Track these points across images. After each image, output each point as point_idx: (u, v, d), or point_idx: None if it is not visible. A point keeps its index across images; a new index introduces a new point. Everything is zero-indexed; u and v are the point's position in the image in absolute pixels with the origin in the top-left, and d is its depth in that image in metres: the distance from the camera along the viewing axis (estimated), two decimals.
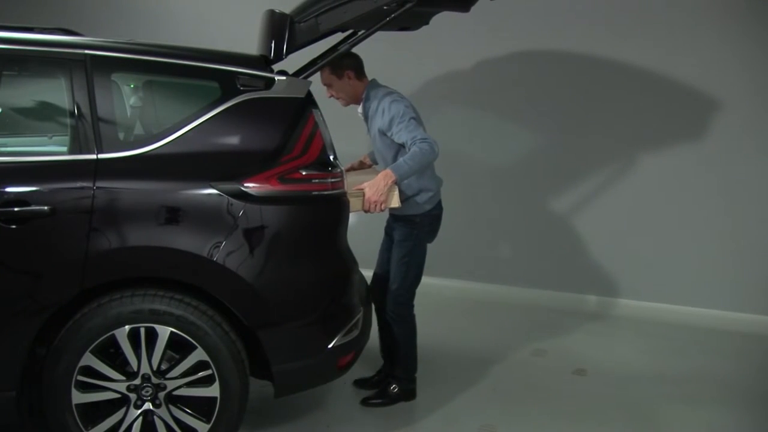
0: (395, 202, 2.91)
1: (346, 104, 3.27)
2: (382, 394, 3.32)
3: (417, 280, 3.24)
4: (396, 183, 2.91)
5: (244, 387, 2.61)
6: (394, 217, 3.22)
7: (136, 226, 2.47)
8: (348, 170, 3.47)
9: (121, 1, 5.83)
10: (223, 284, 2.54)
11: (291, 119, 2.68)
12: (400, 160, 2.95)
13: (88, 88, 2.51)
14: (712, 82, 4.43)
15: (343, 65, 3.12)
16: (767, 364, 4.03)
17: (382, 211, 2.93)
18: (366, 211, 2.90)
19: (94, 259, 2.43)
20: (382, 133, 3.11)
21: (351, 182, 3.02)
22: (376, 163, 3.59)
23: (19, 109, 2.70)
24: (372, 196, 2.86)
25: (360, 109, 3.24)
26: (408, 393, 3.34)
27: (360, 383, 3.47)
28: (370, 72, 3.17)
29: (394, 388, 3.32)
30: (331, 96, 3.23)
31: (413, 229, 3.18)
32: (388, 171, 2.90)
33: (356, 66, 3.19)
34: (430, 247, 3.29)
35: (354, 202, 2.82)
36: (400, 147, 3.08)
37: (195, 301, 2.54)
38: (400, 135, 3.01)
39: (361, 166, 3.61)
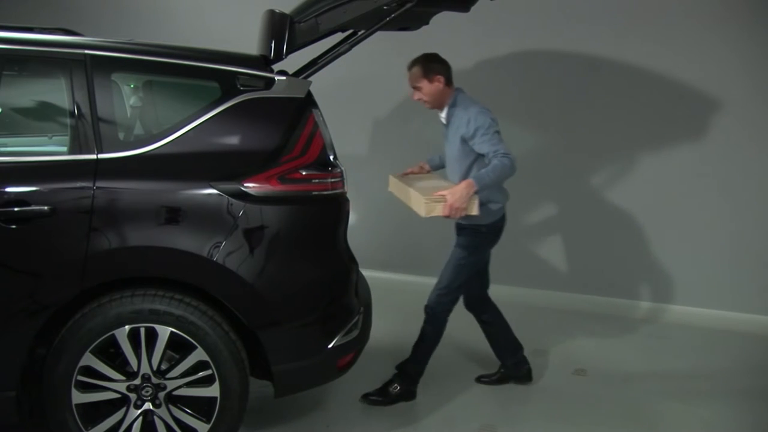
0: (474, 210, 2.99)
1: (431, 107, 3.32)
2: (383, 393, 3.33)
3: (464, 286, 3.32)
4: (476, 192, 2.97)
5: (244, 387, 2.61)
6: (461, 225, 3.29)
7: (136, 226, 2.47)
8: (407, 174, 3.57)
9: (122, 1, 5.83)
10: (223, 284, 2.55)
11: (291, 119, 2.68)
12: (482, 171, 3.02)
13: (88, 88, 2.51)
14: (713, 82, 4.43)
15: (435, 69, 3.21)
16: (766, 364, 4.03)
17: (461, 217, 3.01)
18: (446, 217, 2.96)
19: (94, 259, 2.43)
20: (464, 140, 3.16)
21: (426, 186, 3.14)
22: (435, 170, 3.65)
23: (19, 109, 2.70)
24: (455, 202, 2.91)
25: (443, 114, 3.30)
26: (409, 394, 3.35)
27: (482, 379, 3.61)
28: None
29: (395, 388, 3.33)
30: (419, 99, 3.28)
31: (476, 238, 3.26)
32: (471, 181, 2.96)
33: (447, 72, 3.26)
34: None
35: (434, 207, 2.93)
36: (478, 156, 3.15)
37: (195, 301, 2.54)
38: (483, 146, 3.07)
39: (420, 171, 3.65)
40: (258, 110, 2.65)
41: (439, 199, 2.92)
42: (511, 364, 3.58)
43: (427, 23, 3.51)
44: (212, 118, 2.59)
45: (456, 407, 3.34)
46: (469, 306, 3.52)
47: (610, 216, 4.78)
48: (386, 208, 5.20)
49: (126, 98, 2.80)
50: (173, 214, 2.53)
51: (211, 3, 5.56)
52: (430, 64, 3.21)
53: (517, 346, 3.58)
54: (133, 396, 2.54)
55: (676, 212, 4.63)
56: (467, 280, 3.32)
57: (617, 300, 4.80)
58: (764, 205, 4.43)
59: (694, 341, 4.31)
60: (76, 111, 2.50)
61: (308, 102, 2.75)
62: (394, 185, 3.55)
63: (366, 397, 3.33)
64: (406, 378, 3.35)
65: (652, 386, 3.62)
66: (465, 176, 3.15)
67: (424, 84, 3.23)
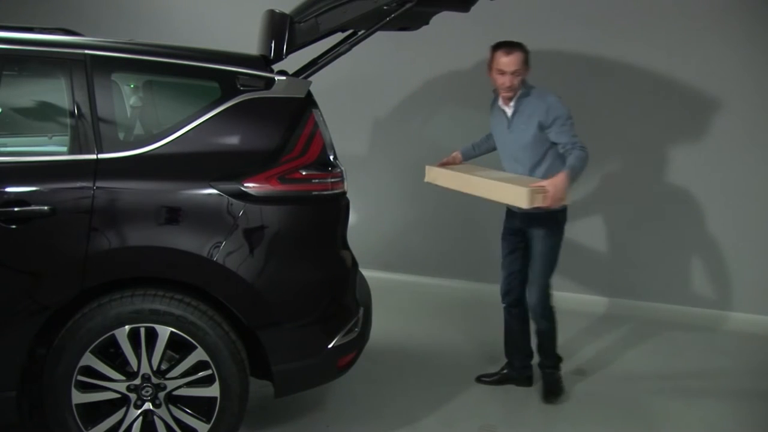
0: (568, 199, 3.09)
1: (510, 96, 3.28)
2: (555, 387, 3.44)
3: (553, 273, 3.40)
4: (571, 183, 3.06)
5: (244, 387, 2.62)
6: (538, 215, 3.26)
7: (136, 226, 2.47)
8: (444, 164, 3.59)
9: (121, 1, 5.83)
10: (222, 284, 2.55)
11: (291, 119, 2.68)
12: (570, 163, 3.07)
13: (88, 88, 2.51)
14: (713, 82, 4.43)
15: (529, 59, 3.25)
16: (766, 363, 4.03)
17: (559, 206, 3.10)
18: (547, 207, 3.03)
19: (94, 259, 2.43)
20: (542, 127, 3.19)
21: (502, 177, 3.21)
22: (467, 160, 3.67)
23: (19, 109, 2.70)
24: (557, 193, 2.98)
25: (512, 103, 3.29)
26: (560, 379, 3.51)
27: (483, 378, 3.63)
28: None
29: (557, 377, 3.47)
30: (510, 85, 3.23)
31: (557, 225, 3.33)
32: (567, 172, 3.03)
33: None
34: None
35: (536, 197, 3.01)
36: (552, 145, 3.20)
37: (195, 301, 2.54)
38: (561, 136, 3.15)
39: (453, 161, 3.66)
40: (258, 110, 2.65)
41: (540, 191, 3.01)
42: (517, 366, 3.59)
43: (427, 23, 3.51)
44: (212, 118, 2.59)
45: (456, 407, 3.34)
46: (507, 293, 3.52)
47: (611, 216, 4.78)
48: (386, 208, 5.21)
49: (126, 98, 2.80)
50: (173, 214, 2.53)
51: (211, 3, 5.56)
52: (528, 53, 3.23)
53: (530, 352, 3.59)
54: (133, 396, 2.55)
55: (675, 212, 4.63)
56: (555, 268, 3.38)
57: (617, 300, 4.80)
58: (764, 204, 4.43)
59: (694, 341, 4.31)
60: (76, 111, 2.50)
61: (308, 102, 2.75)
62: (440, 175, 3.52)
63: (548, 399, 3.41)
64: (556, 367, 3.49)
65: (652, 386, 3.63)
66: (539, 163, 3.23)
67: (524, 72, 3.24)
